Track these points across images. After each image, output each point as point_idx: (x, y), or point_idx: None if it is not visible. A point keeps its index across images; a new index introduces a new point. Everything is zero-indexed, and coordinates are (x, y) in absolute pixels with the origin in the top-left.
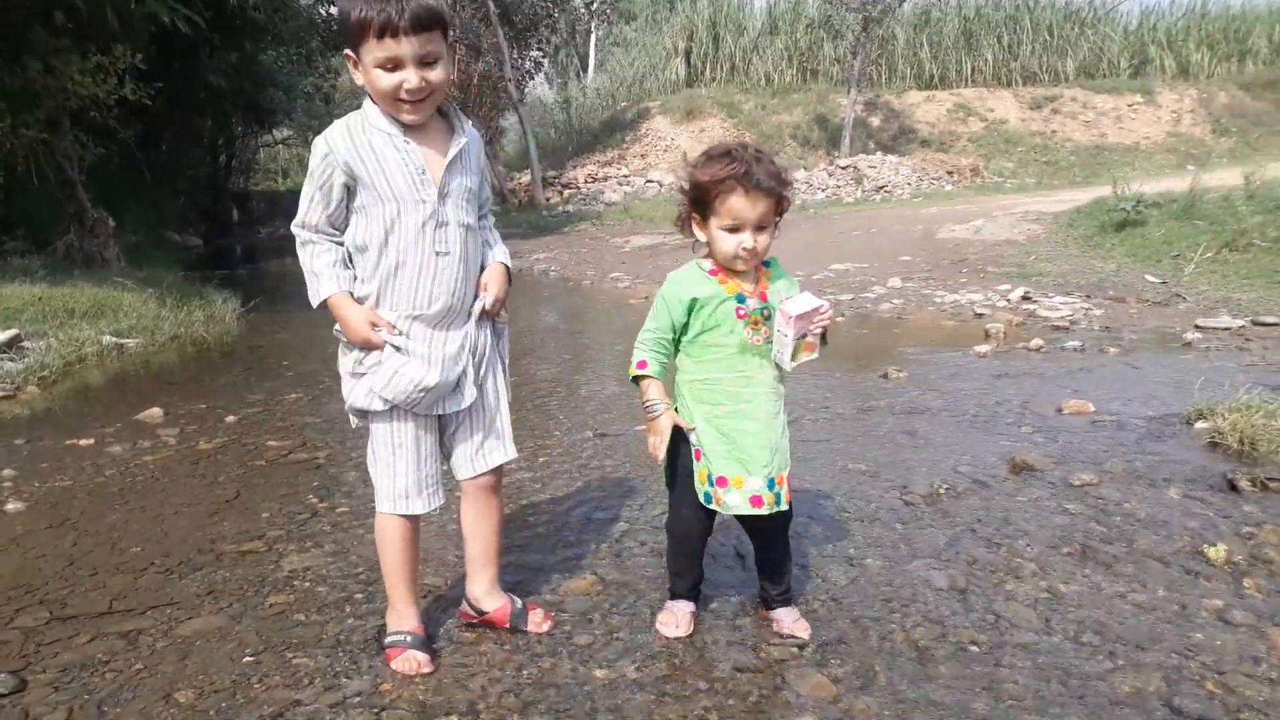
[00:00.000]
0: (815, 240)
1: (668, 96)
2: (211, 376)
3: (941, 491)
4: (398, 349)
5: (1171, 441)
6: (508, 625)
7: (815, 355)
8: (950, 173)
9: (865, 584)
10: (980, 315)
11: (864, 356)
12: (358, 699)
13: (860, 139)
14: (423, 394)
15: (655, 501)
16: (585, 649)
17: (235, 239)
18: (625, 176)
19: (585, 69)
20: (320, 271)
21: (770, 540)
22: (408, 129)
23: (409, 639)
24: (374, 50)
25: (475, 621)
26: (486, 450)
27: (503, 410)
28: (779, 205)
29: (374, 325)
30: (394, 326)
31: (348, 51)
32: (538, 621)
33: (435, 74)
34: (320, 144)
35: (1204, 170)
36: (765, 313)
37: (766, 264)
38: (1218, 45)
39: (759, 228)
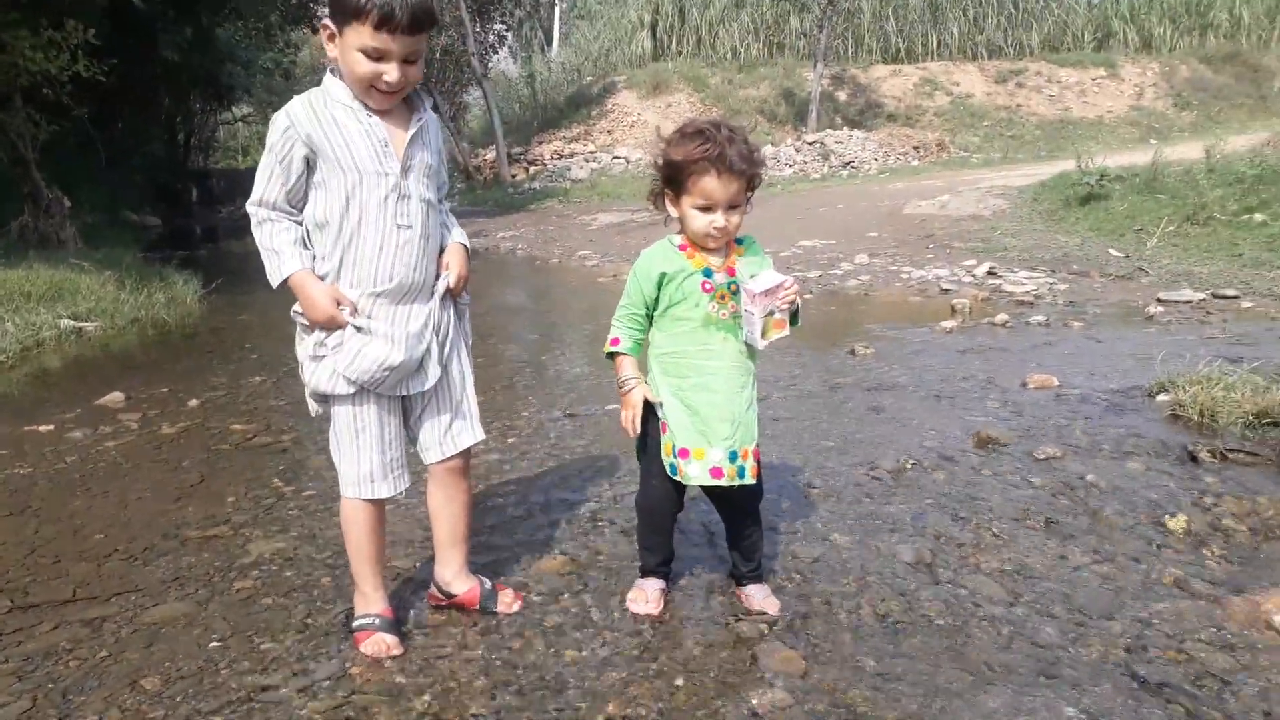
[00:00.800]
0: (782, 217)
1: (634, 71)
2: (173, 360)
3: (908, 466)
4: (359, 329)
5: (1134, 414)
6: (477, 607)
7: (786, 333)
8: (917, 148)
9: (833, 559)
10: (946, 291)
11: (831, 333)
12: (327, 683)
13: (827, 114)
14: (387, 373)
15: (625, 481)
16: (556, 629)
17: (195, 219)
18: (591, 153)
19: (549, 43)
20: (281, 249)
21: (740, 517)
22: (369, 107)
23: (377, 621)
24: (363, 36)
25: (444, 604)
26: (454, 432)
27: (468, 391)
28: (750, 184)
29: (338, 303)
30: (356, 306)
31: (327, 22)
32: (508, 602)
33: (414, 71)
34: (281, 117)
35: (1166, 144)
36: (732, 287)
37: (739, 241)
38: (1179, 19)
39: (730, 207)
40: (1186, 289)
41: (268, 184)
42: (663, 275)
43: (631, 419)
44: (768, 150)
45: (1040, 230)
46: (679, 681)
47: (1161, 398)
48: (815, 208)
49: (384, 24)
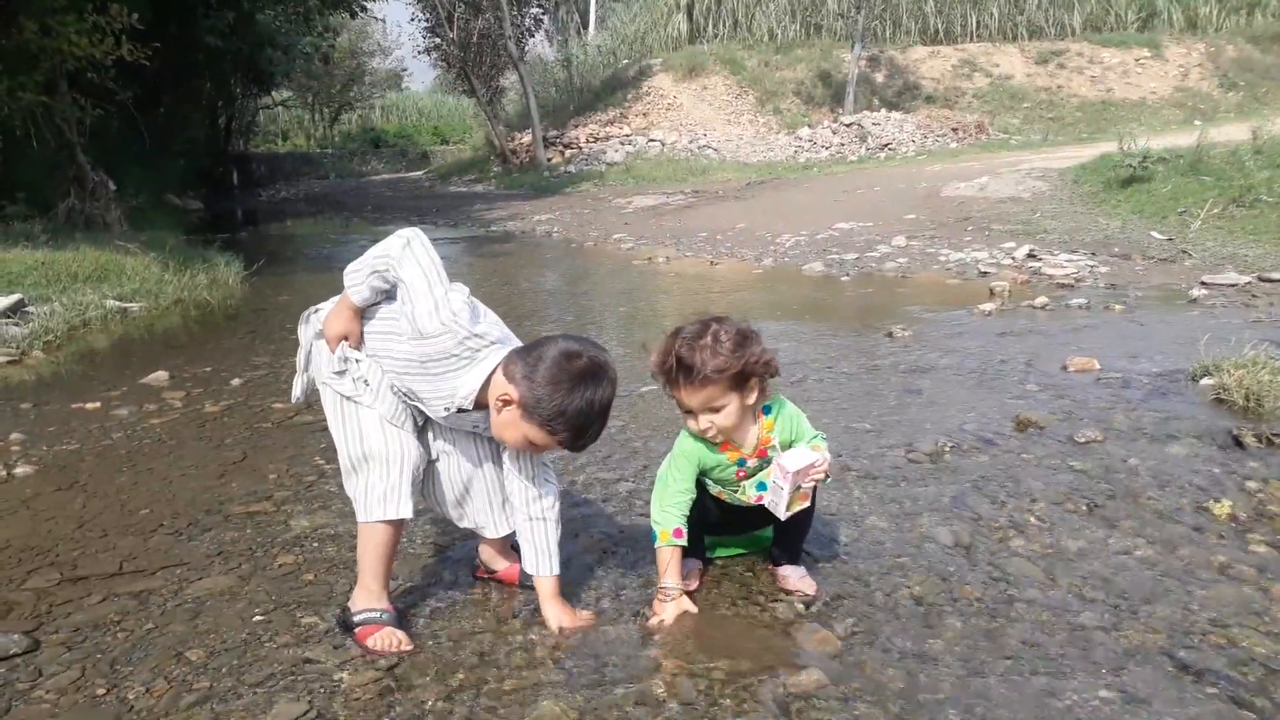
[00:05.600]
0: (819, 199)
1: (669, 53)
2: (216, 340)
3: (946, 449)
4: (345, 361)
5: (1176, 398)
6: (517, 584)
7: (808, 504)
8: (955, 130)
9: (870, 541)
10: (985, 273)
11: (869, 315)
12: (367, 657)
13: (864, 95)
14: (409, 404)
15: (659, 461)
16: (592, 606)
17: (236, 202)
18: (627, 136)
19: (586, 26)
20: (371, 284)
21: (793, 524)
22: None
23: (384, 616)
24: (544, 438)
25: (485, 577)
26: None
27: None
28: (738, 380)
29: (345, 339)
30: (359, 347)
31: (511, 398)
32: None
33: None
34: (443, 332)
35: (1211, 125)
36: (764, 466)
37: (766, 410)
38: None
39: (712, 409)
40: (1231, 272)
41: (420, 288)
42: (700, 460)
43: (661, 625)
44: (804, 132)
45: (1081, 213)
46: (715, 660)
47: (1205, 381)
48: (852, 190)
49: (567, 445)
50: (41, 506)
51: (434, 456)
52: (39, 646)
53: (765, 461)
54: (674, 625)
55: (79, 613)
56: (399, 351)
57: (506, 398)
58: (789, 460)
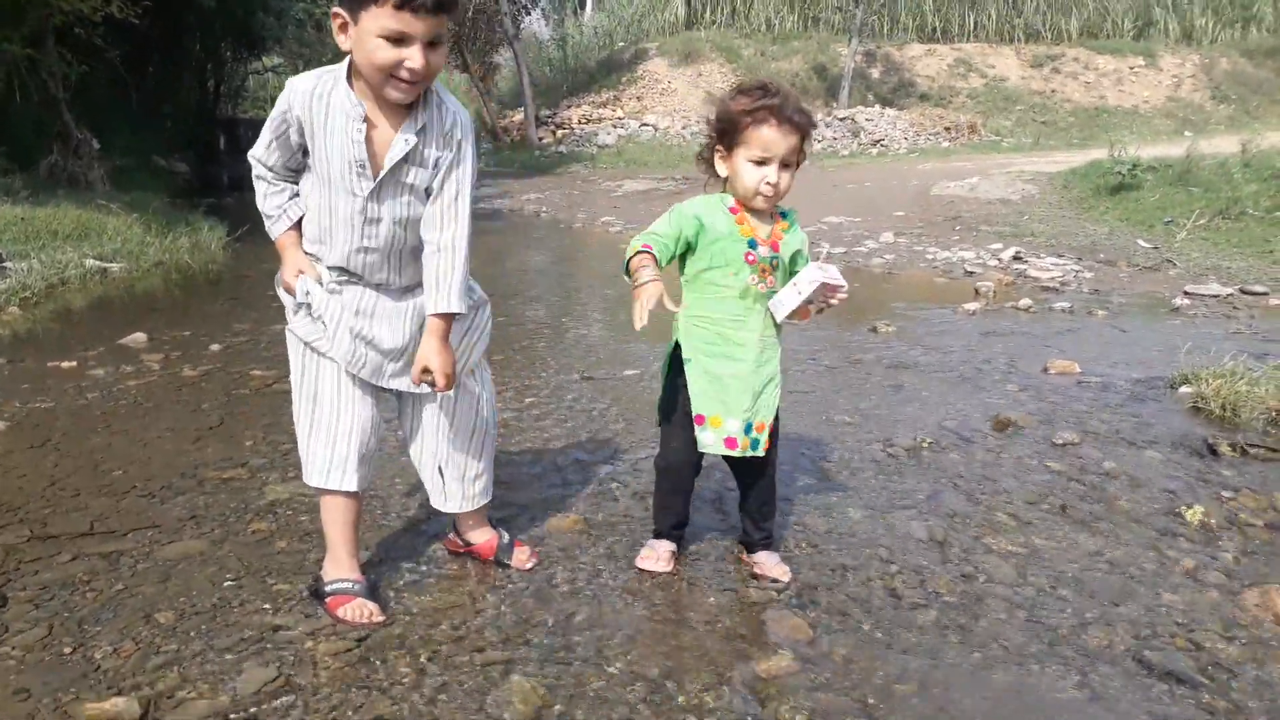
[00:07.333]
0: (809, 192)
1: (666, 38)
2: (196, 304)
3: (925, 445)
4: (309, 294)
5: (1155, 404)
6: (492, 558)
7: (804, 321)
8: (948, 129)
9: (845, 532)
10: (971, 273)
11: (853, 310)
12: (337, 627)
13: (859, 90)
14: (366, 348)
15: (640, 444)
16: (567, 585)
17: (222, 166)
18: (620, 119)
19: (583, 6)
20: (271, 213)
21: (756, 483)
22: (371, 111)
23: (355, 586)
24: (383, 19)
25: (460, 551)
26: (479, 489)
27: (490, 434)
28: (802, 143)
29: (300, 273)
30: (320, 278)
31: (339, 10)
32: (522, 560)
33: (437, 57)
34: (285, 94)
35: (1201, 137)
36: (774, 262)
37: (784, 215)
38: (1222, 10)
39: (784, 164)
40: (1214, 283)
41: (267, 150)
42: (704, 224)
43: (640, 310)
44: None
45: (1069, 217)
46: (686, 642)
47: (1184, 390)
48: (843, 184)
49: (406, 3)
50: (13, 463)
51: (430, 394)
52: (5, 602)
53: (777, 255)
54: (646, 608)
55: (48, 571)
56: (322, 176)
57: (339, 20)
58: (826, 272)
